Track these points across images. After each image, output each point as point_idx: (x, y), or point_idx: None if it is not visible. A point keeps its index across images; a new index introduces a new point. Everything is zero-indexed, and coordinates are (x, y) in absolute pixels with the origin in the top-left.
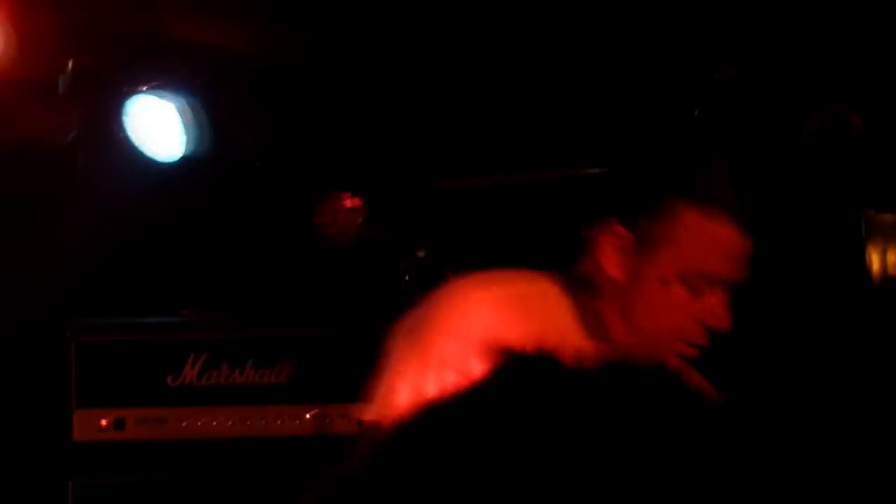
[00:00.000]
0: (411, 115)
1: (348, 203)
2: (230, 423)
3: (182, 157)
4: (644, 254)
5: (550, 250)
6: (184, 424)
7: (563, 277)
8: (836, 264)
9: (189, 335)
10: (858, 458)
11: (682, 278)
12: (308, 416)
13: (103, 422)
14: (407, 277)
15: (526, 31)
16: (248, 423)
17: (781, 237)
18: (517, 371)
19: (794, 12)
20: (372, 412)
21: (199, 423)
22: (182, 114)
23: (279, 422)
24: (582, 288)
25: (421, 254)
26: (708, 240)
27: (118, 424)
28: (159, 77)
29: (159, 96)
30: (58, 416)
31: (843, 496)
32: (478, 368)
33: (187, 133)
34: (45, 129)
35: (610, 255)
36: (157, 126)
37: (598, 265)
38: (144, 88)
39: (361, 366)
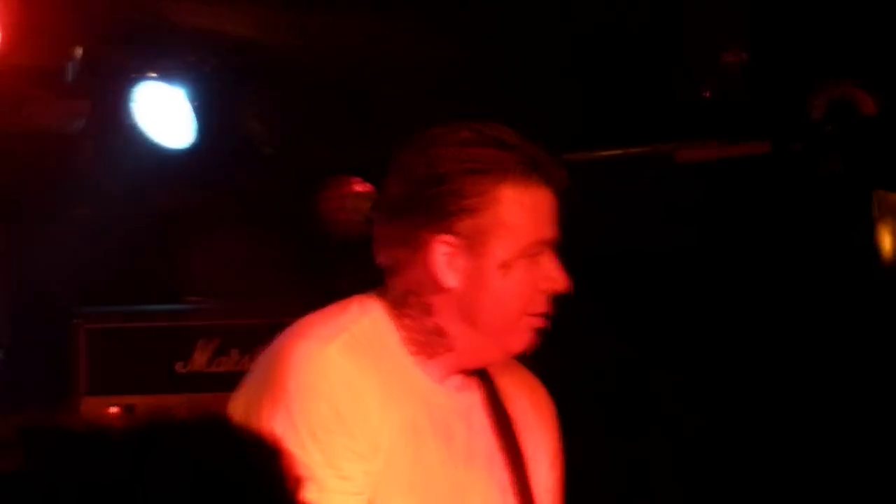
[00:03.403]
0: (418, 99)
1: (357, 188)
2: None
3: (191, 144)
4: (476, 250)
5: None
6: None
7: (382, 298)
8: (847, 245)
9: (198, 322)
10: (865, 440)
11: (522, 255)
12: None
13: (113, 409)
14: None
15: (531, 14)
16: None
17: (793, 219)
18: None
19: None
20: None
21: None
22: (190, 100)
23: None
24: (405, 307)
25: None
26: (531, 208)
27: (127, 411)
28: (167, 63)
29: (168, 82)
30: (67, 403)
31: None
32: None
33: (196, 119)
34: (54, 116)
35: (441, 267)
36: (166, 112)
37: (426, 280)
38: (153, 75)
39: None
